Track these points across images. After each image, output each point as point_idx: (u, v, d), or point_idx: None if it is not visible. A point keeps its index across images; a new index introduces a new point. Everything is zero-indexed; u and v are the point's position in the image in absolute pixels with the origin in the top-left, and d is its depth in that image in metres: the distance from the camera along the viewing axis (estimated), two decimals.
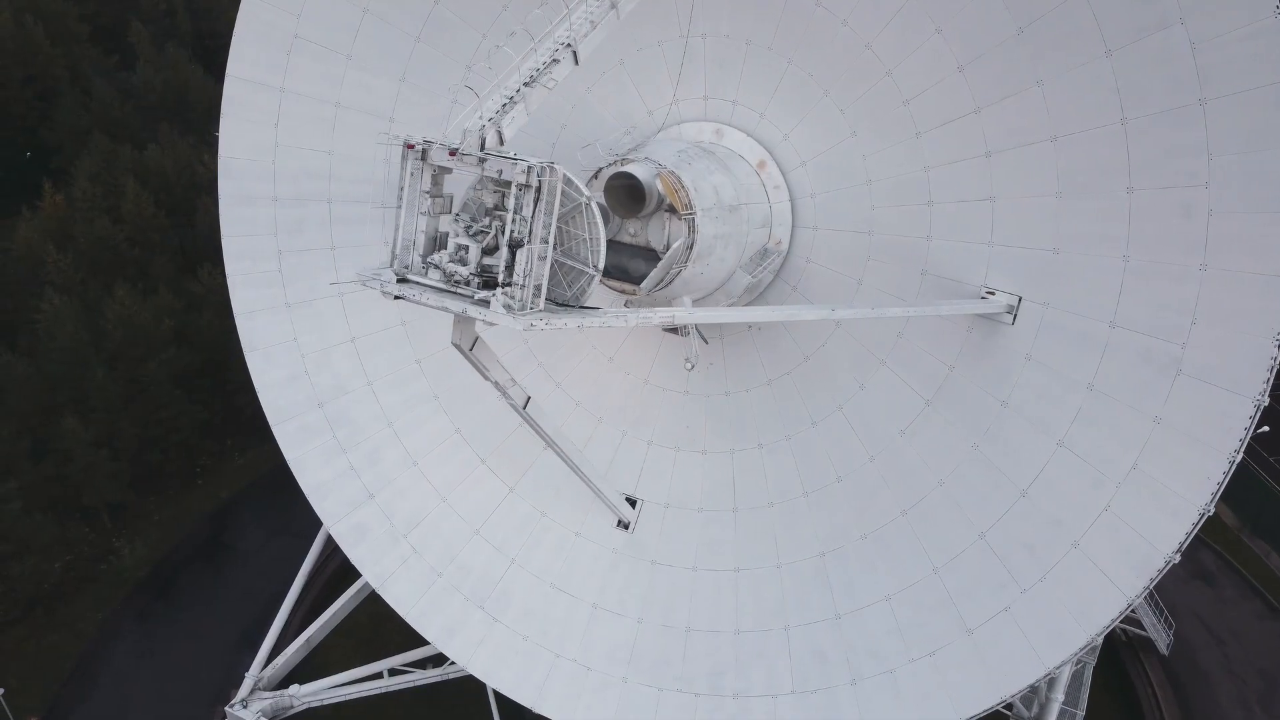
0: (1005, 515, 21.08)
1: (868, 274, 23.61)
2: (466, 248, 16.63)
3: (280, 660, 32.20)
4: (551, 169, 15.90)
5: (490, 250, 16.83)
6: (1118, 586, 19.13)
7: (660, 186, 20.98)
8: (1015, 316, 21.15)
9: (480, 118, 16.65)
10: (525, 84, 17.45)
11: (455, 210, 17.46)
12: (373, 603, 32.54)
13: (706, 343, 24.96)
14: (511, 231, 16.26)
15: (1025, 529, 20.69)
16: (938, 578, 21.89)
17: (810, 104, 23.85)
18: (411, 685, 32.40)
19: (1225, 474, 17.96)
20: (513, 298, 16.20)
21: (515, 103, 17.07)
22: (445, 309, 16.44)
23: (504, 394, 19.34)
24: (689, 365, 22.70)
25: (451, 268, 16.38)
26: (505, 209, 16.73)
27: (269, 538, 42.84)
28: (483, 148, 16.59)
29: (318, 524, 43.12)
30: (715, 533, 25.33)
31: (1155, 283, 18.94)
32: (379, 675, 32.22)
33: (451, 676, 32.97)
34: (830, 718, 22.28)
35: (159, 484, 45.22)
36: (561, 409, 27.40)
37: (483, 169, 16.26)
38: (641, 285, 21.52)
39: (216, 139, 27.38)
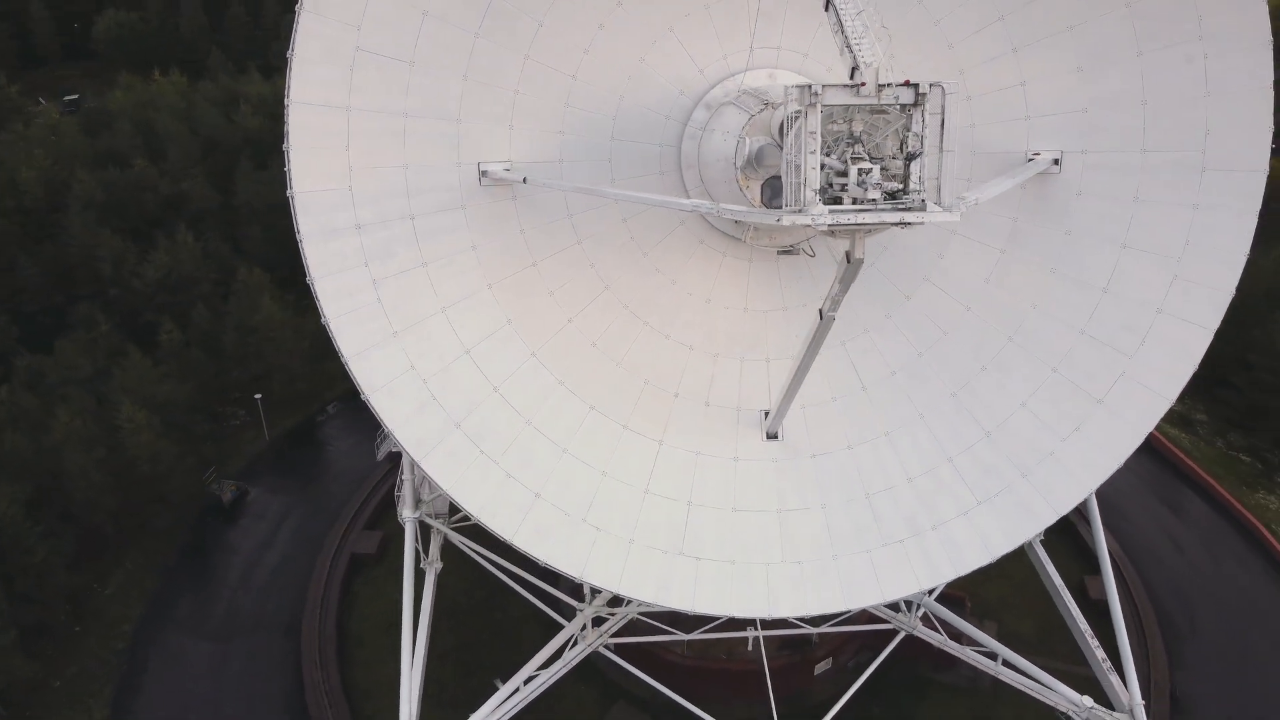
0: (1095, 311, 28.26)
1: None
2: (870, 170, 19.28)
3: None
4: (940, 88, 19.23)
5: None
6: (1201, 326, 27.27)
7: None
8: (1060, 166, 28.19)
9: (858, 57, 19.24)
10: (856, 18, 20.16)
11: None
12: None
13: (814, 255, 28.80)
14: (906, 148, 19.35)
15: (1116, 315, 28.03)
16: (1058, 375, 28.54)
17: None
18: (545, 687, 32.26)
19: (1253, 226, 26.70)
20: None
21: (862, 38, 19.81)
22: (883, 222, 19.02)
23: (831, 305, 22.06)
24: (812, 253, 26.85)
25: (889, 185, 18.97)
26: (869, 134, 19.72)
27: (225, 646, 37.45)
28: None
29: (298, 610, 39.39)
30: (855, 413, 29.54)
31: (1173, 114, 26.97)
32: (516, 690, 31.61)
33: (573, 664, 33.43)
34: (1021, 508, 28.13)
35: (37, 647, 36.64)
36: (678, 357, 29.56)
37: (880, 98, 19.03)
38: None
39: None
